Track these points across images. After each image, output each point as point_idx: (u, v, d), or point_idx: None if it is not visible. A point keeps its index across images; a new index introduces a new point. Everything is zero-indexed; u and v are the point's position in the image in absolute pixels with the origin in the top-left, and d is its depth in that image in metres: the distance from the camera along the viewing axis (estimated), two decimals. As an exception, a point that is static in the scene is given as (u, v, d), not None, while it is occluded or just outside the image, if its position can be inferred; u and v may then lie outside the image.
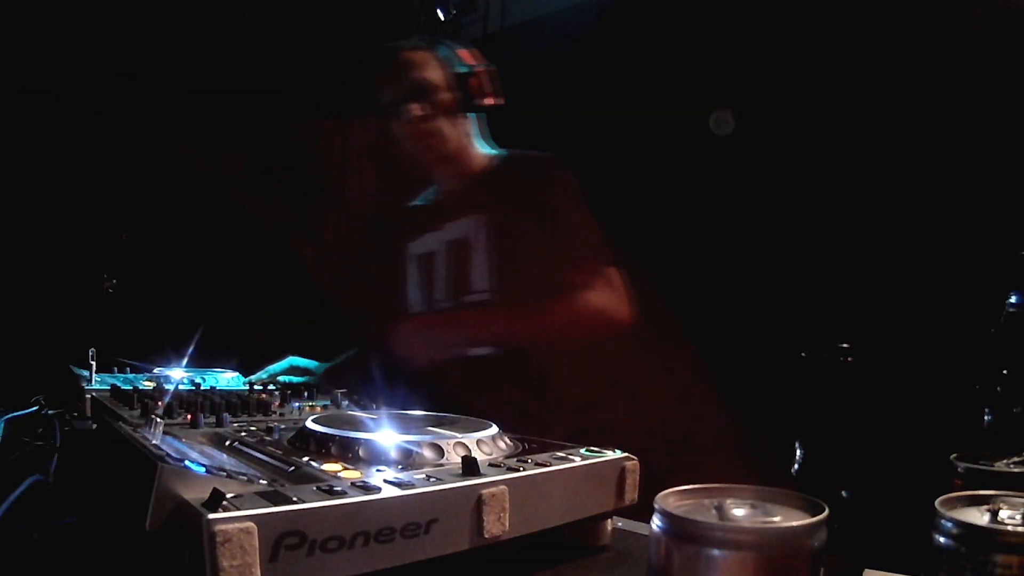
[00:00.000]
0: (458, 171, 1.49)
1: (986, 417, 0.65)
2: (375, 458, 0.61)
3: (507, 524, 0.54)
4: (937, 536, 0.45)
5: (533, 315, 1.34)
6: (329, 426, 0.67)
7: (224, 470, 0.52)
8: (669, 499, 0.48)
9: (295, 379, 1.37)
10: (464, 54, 1.47)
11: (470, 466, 0.56)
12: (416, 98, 1.41)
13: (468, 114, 1.47)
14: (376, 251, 1.73)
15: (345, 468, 0.57)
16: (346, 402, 1.00)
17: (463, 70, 1.44)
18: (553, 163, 1.45)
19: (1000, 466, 0.58)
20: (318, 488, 0.48)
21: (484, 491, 0.53)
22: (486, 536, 0.53)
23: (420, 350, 1.30)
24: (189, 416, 0.77)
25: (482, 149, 1.53)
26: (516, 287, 1.37)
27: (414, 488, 0.50)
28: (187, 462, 0.51)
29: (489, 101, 1.45)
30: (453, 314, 1.42)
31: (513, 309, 1.35)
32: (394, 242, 1.62)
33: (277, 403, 0.95)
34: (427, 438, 0.64)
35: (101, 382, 1.03)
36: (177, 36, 2.77)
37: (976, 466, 0.59)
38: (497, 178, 1.47)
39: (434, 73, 1.42)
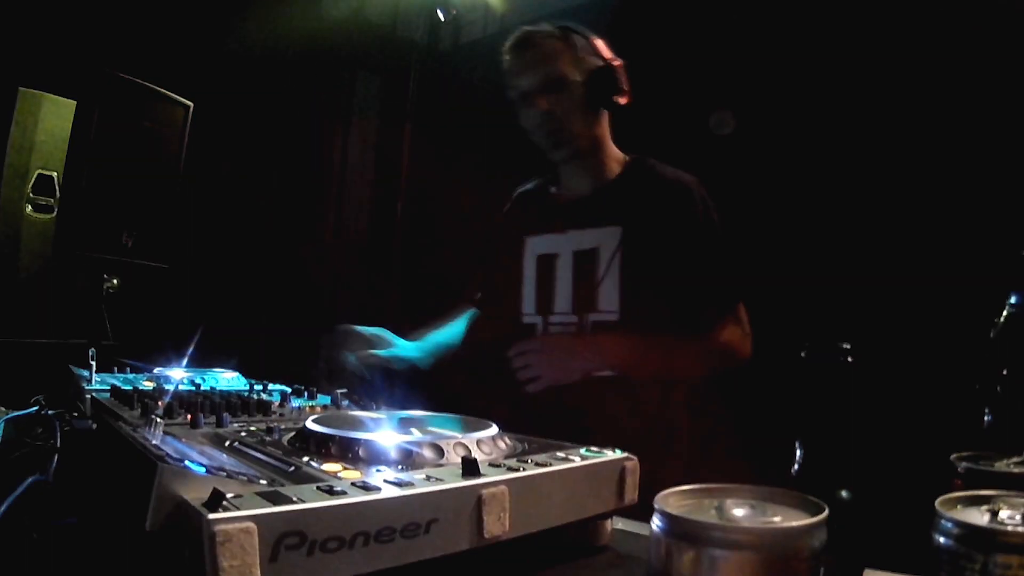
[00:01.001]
0: (588, 171, 1.41)
1: (986, 417, 0.65)
2: (375, 458, 0.61)
3: (507, 524, 0.54)
4: (937, 536, 0.45)
5: (671, 352, 1.29)
6: (329, 426, 0.67)
7: (224, 470, 0.52)
8: (669, 499, 0.48)
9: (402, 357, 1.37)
10: (599, 45, 1.38)
11: (470, 466, 0.56)
12: (548, 89, 1.33)
13: (601, 110, 1.38)
14: (491, 235, 1.61)
15: (345, 468, 0.57)
16: (346, 402, 1.00)
17: (598, 63, 1.36)
18: (697, 183, 1.36)
19: (1000, 466, 0.58)
20: (318, 488, 0.48)
21: (484, 491, 0.53)
22: (486, 536, 0.53)
23: (548, 371, 1.24)
24: (189, 416, 0.77)
25: (616, 151, 1.44)
26: (645, 311, 1.30)
27: (414, 488, 0.50)
28: (187, 462, 0.51)
29: (623, 99, 1.37)
30: (589, 339, 1.32)
31: (653, 344, 1.28)
32: (512, 236, 1.51)
33: (277, 403, 0.95)
34: (427, 438, 0.64)
35: (101, 382, 1.03)
36: (177, 36, 2.77)
37: (976, 466, 0.58)
38: (634, 188, 1.38)
39: (568, 65, 1.34)
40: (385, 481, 0.51)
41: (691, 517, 0.44)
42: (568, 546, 0.64)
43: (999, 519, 0.45)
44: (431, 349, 1.48)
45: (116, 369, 1.19)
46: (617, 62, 1.36)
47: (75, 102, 2.53)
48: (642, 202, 1.34)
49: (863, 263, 1.83)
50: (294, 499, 0.45)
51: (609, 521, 0.69)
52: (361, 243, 3.49)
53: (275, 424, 0.77)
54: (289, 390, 1.06)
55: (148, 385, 1.04)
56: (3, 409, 0.98)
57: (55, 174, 2.50)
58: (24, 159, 2.43)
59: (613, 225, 1.34)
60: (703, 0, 2.24)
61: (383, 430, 0.67)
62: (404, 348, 1.42)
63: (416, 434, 0.66)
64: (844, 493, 0.55)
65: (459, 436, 0.65)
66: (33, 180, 2.45)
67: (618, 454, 0.68)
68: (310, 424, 0.68)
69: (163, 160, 2.84)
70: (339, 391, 1.03)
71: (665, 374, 1.32)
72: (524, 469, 0.59)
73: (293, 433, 0.71)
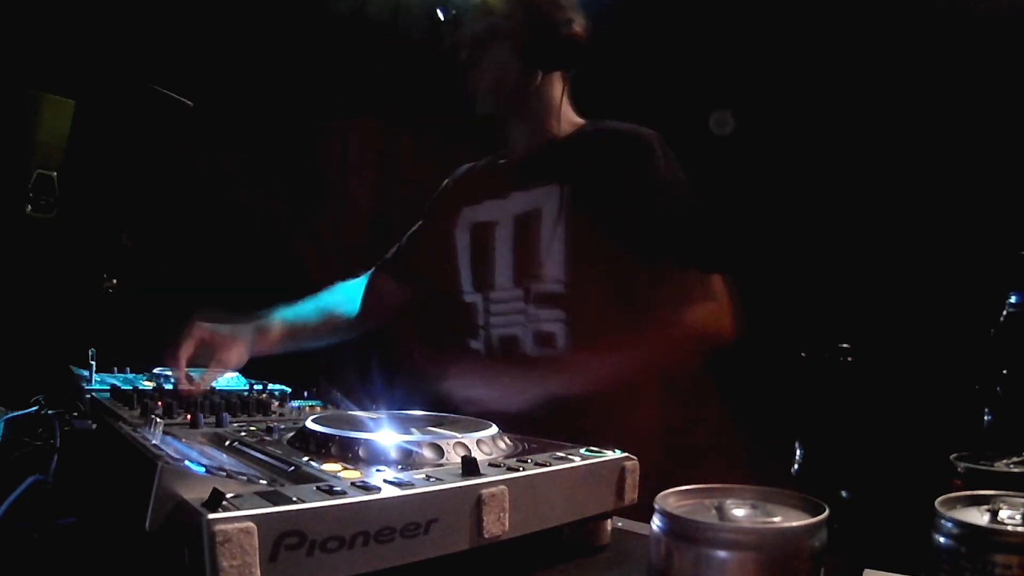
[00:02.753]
0: (533, 133, 1.29)
1: (986, 417, 0.65)
2: (375, 458, 0.61)
3: (507, 524, 0.54)
4: (937, 536, 0.45)
5: (634, 355, 1.12)
6: (329, 426, 0.67)
7: (224, 470, 0.52)
8: (669, 499, 0.48)
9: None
10: (563, 4, 1.25)
11: (470, 466, 0.56)
12: (480, 42, 1.24)
13: (556, 72, 1.27)
14: (426, 217, 1.47)
15: (345, 468, 0.57)
16: (346, 402, 1.00)
17: (545, 21, 1.23)
18: (654, 137, 1.20)
19: (1000, 466, 0.58)
20: (318, 488, 0.48)
21: (484, 491, 0.53)
22: (486, 536, 0.53)
23: (497, 403, 1.04)
24: (189, 416, 0.77)
25: (571, 114, 1.31)
26: (596, 280, 1.16)
27: (414, 488, 0.50)
28: (187, 462, 0.51)
29: (570, 63, 1.26)
30: (539, 364, 1.17)
31: (610, 354, 1.11)
32: (445, 207, 1.38)
33: (277, 403, 0.95)
34: (427, 438, 0.64)
35: (101, 382, 1.03)
36: (177, 36, 2.77)
37: (976, 466, 0.59)
38: (583, 146, 1.24)
39: (509, 19, 1.23)
40: (385, 481, 0.51)
41: (691, 517, 0.44)
42: (568, 546, 0.64)
43: (999, 519, 0.45)
44: (281, 330, 1.32)
45: (116, 369, 1.19)
46: (579, 24, 1.24)
47: (75, 102, 2.53)
48: (591, 156, 1.21)
49: (863, 263, 1.83)
50: (294, 499, 0.45)
51: (609, 521, 0.69)
52: (361, 243, 3.49)
53: (275, 424, 0.77)
54: (289, 390, 1.06)
55: (148, 385, 1.04)
56: (3, 409, 0.98)
57: (55, 174, 2.50)
58: (24, 159, 2.43)
59: (557, 183, 1.20)
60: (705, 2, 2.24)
61: (383, 430, 0.67)
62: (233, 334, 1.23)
63: (416, 434, 0.66)
64: (844, 493, 0.55)
65: (459, 436, 0.65)
66: (33, 180, 2.45)
67: (618, 454, 0.68)
68: (310, 424, 0.68)
69: (164, 160, 2.85)
70: (338, 391, 1.03)
71: (635, 379, 1.16)
72: (524, 469, 0.59)
73: (293, 433, 0.71)
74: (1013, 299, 0.67)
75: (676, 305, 1.13)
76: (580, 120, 1.33)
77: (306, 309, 1.39)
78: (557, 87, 1.30)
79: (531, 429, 0.77)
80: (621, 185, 1.16)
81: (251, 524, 0.41)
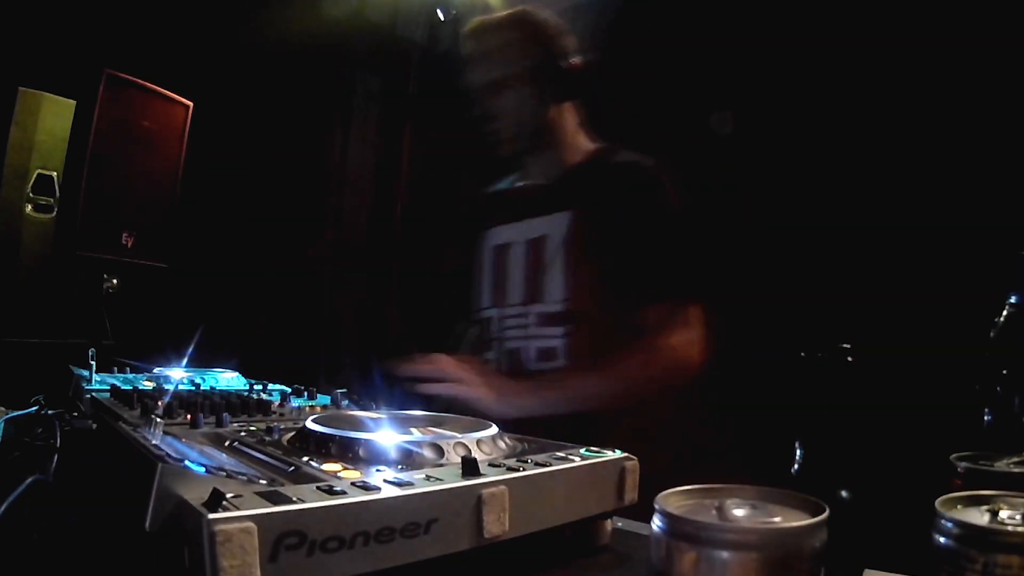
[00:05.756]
0: (548, 162, 1.37)
1: (986, 417, 0.65)
2: (375, 458, 0.61)
3: (507, 524, 0.54)
4: (937, 536, 0.45)
5: (615, 386, 1.18)
6: (329, 426, 0.67)
7: (224, 470, 0.52)
8: (669, 499, 0.48)
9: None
10: (559, 32, 1.33)
11: (470, 466, 0.56)
12: (492, 88, 1.30)
13: (568, 100, 1.34)
14: (450, 236, 1.60)
15: (345, 468, 0.57)
16: (346, 402, 1.00)
17: (551, 55, 1.31)
18: (657, 166, 1.29)
19: (1000, 466, 0.58)
20: (318, 488, 0.48)
21: (484, 491, 0.53)
22: (486, 536, 0.53)
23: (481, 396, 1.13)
24: (189, 416, 0.77)
25: (584, 141, 1.39)
26: (591, 302, 1.24)
27: (414, 488, 0.50)
28: (187, 462, 0.51)
29: (580, 90, 1.33)
30: (524, 385, 1.22)
31: (592, 382, 1.19)
32: (470, 229, 1.48)
33: (277, 403, 0.95)
34: (427, 438, 0.64)
35: (101, 382, 1.03)
36: (177, 36, 2.77)
37: (976, 466, 0.59)
38: (593, 174, 1.32)
39: (517, 59, 1.29)
40: (385, 481, 0.51)
41: (691, 517, 0.44)
42: (568, 546, 0.64)
43: (999, 519, 0.45)
44: None
45: (116, 369, 1.19)
46: (574, 51, 1.31)
47: (75, 102, 2.53)
48: (596, 185, 1.29)
49: (864, 263, 1.83)
50: (294, 499, 0.45)
51: (609, 521, 0.69)
52: (361, 243, 3.49)
53: (275, 424, 0.77)
54: (289, 390, 1.06)
55: (148, 385, 1.04)
56: (3, 409, 0.98)
57: (55, 174, 2.50)
58: (24, 159, 2.43)
59: (567, 209, 1.29)
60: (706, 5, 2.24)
61: (383, 430, 0.67)
62: None
63: (416, 434, 0.66)
64: (844, 493, 0.55)
65: (459, 436, 0.65)
66: (33, 180, 2.45)
67: (618, 454, 0.68)
68: (310, 424, 0.68)
69: (163, 160, 2.85)
70: (339, 391, 1.03)
71: (617, 404, 1.21)
72: (524, 469, 0.59)
73: (293, 433, 0.71)
74: (1013, 299, 0.67)
75: (657, 331, 1.20)
76: (593, 146, 1.40)
77: None
78: (570, 116, 1.38)
79: (531, 429, 0.77)
80: (619, 212, 1.23)
81: (251, 524, 0.41)
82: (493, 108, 1.32)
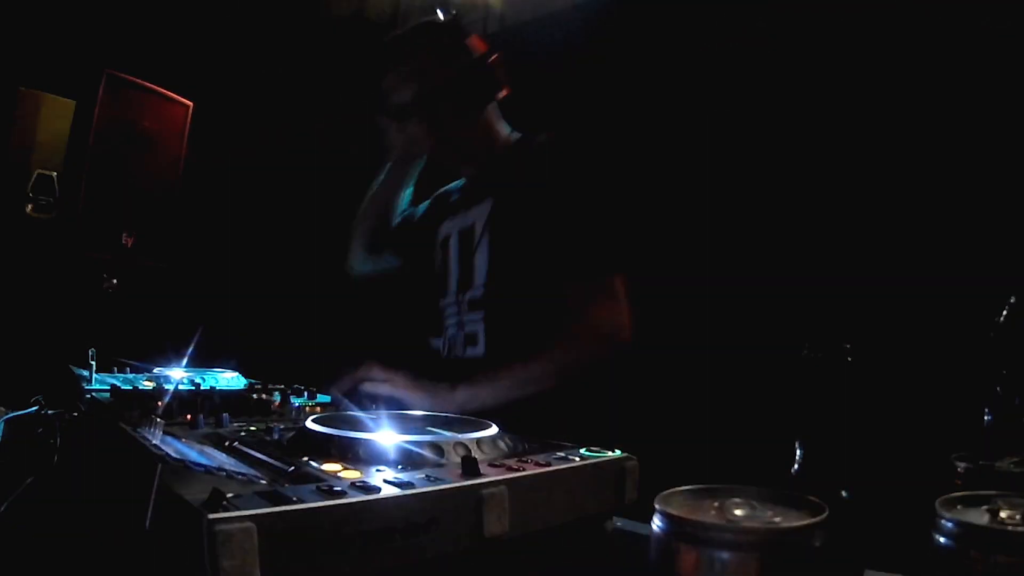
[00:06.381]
0: (480, 158, 1.42)
1: (986, 417, 0.65)
2: (375, 458, 0.61)
3: (507, 524, 0.54)
4: (937, 536, 0.45)
5: (540, 367, 1.19)
6: (329, 426, 0.67)
7: (224, 470, 0.52)
8: (669, 499, 0.48)
9: None
10: (473, 43, 1.37)
11: (470, 466, 0.56)
12: (425, 97, 1.33)
13: (479, 109, 1.38)
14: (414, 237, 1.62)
15: (345, 468, 0.57)
16: (346, 402, 1.00)
17: (472, 62, 1.34)
18: (549, 143, 1.34)
19: (1000, 466, 0.58)
20: (318, 488, 0.48)
21: (484, 491, 0.53)
22: (486, 536, 0.53)
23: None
24: (189, 416, 0.77)
25: (504, 135, 1.44)
26: (510, 284, 1.27)
27: (414, 488, 0.50)
28: (187, 462, 0.51)
29: (503, 92, 1.37)
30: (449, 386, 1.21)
31: (521, 367, 1.19)
32: (425, 229, 1.55)
33: (277, 403, 0.95)
34: (427, 438, 0.64)
35: (101, 382, 1.03)
36: (178, 35, 2.77)
37: (976, 466, 0.58)
38: (506, 162, 1.39)
39: (436, 75, 1.33)
40: (385, 481, 0.51)
41: (691, 517, 0.44)
42: (568, 546, 0.64)
43: (999, 519, 0.45)
44: None
45: (116, 369, 1.19)
46: (493, 57, 1.35)
47: (75, 102, 2.53)
48: (509, 172, 1.34)
49: (863, 262, 1.83)
50: (294, 499, 0.45)
51: (609, 521, 0.69)
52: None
53: (275, 424, 0.77)
54: (289, 390, 1.06)
55: (148, 385, 1.04)
56: (3, 409, 0.98)
57: (55, 174, 2.50)
58: (24, 159, 2.43)
59: (488, 198, 1.35)
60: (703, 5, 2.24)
61: (383, 430, 0.67)
62: None
63: (416, 434, 0.66)
64: (844, 493, 0.55)
65: (459, 436, 0.65)
66: (33, 180, 2.45)
67: (618, 454, 0.68)
68: (310, 424, 0.68)
69: (163, 160, 2.85)
70: (339, 391, 1.03)
71: (549, 381, 1.20)
72: (524, 469, 0.59)
73: (293, 433, 0.71)
74: (1013, 299, 0.67)
75: (583, 305, 1.21)
76: (511, 135, 1.45)
77: None
78: (491, 113, 1.42)
79: (531, 429, 0.77)
80: (524, 194, 1.28)
81: (251, 524, 0.41)
82: (428, 122, 1.36)
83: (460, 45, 1.37)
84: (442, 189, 1.62)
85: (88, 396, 0.93)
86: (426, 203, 1.62)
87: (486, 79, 1.35)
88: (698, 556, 0.43)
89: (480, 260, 1.32)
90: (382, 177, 1.54)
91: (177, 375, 1.20)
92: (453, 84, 1.33)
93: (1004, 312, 0.67)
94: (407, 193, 1.57)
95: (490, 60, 1.35)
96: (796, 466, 0.58)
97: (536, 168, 1.31)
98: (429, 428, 0.71)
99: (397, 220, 1.59)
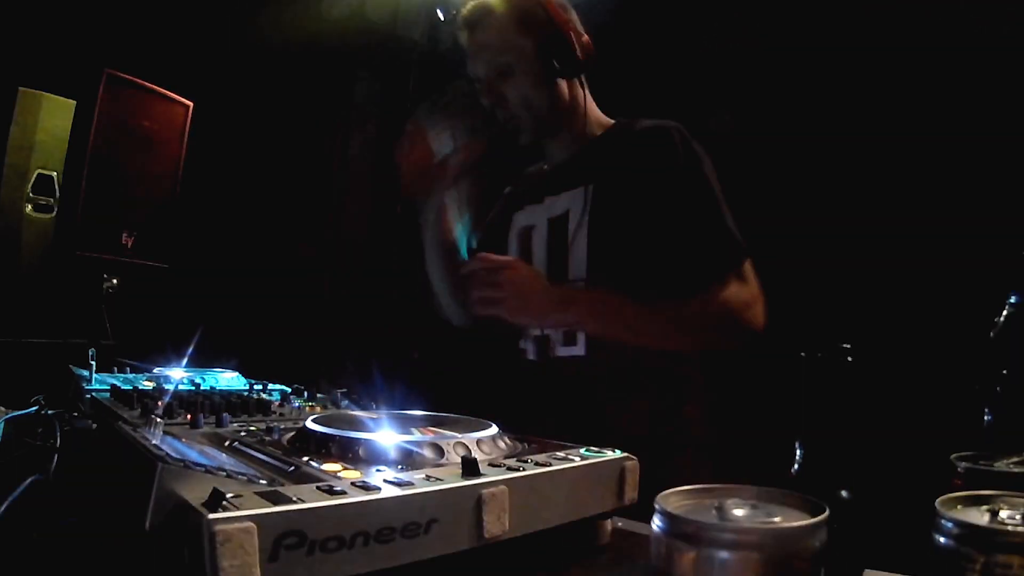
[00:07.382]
0: (565, 141, 1.35)
1: (986, 417, 0.65)
2: (375, 458, 0.61)
3: (507, 524, 0.54)
4: (937, 536, 0.45)
5: (654, 315, 1.15)
6: (329, 426, 0.67)
7: (224, 470, 0.52)
8: (669, 499, 0.48)
9: None
10: (553, 10, 1.27)
11: (470, 466, 0.56)
12: (497, 79, 1.27)
13: (561, 80, 1.30)
14: (487, 221, 1.53)
15: (345, 468, 0.57)
16: (346, 402, 1.00)
17: (548, 32, 1.26)
18: (677, 130, 1.24)
19: (1000, 466, 0.58)
20: (318, 488, 0.48)
21: (484, 491, 0.53)
22: (486, 536, 0.53)
23: (511, 302, 1.13)
24: (189, 416, 0.77)
25: (596, 116, 1.37)
26: (616, 275, 1.18)
27: (414, 488, 0.50)
28: (187, 462, 0.51)
29: (585, 61, 1.28)
30: (564, 289, 1.21)
31: (643, 306, 1.14)
32: (502, 213, 1.47)
33: (277, 403, 0.95)
34: (427, 438, 0.64)
35: (101, 382, 1.03)
36: (178, 35, 2.77)
37: (976, 466, 0.58)
38: (607, 147, 1.30)
39: (515, 44, 1.26)
40: (385, 481, 0.51)
41: (691, 517, 0.44)
42: (568, 546, 0.64)
43: (999, 519, 0.45)
44: None
45: (116, 369, 1.19)
46: (571, 26, 1.28)
47: (75, 102, 2.53)
48: (614, 157, 1.26)
49: (863, 263, 1.83)
50: (294, 499, 0.45)
51: (609, 521, 0.69)
52: (361, 243, 3.49)
53: (275, 424, 0.77)
54: (289, 390, 1.06)
55: (148, 385, 1.04)
56: (3, 409, 0.98)
57: (55, 174, 2.50)
58: (24, 159, 2.43)
59: (583, 185, 1.26)
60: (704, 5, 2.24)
61: (383, 430, 0.67)
62: None
63: (416, 434, 0.66)
64: (844, 493, 0.55)
65: (459, 436, 0.65)
66: (33, 180, 2.45)
67: (618, 454, 0.68)
68: (310, 424, 0.68)
69: (163, 160, 2.84)
70: (339, 391, 1.03)
71: (646, 340, 1.17)
72: (524, 469, 0.59)
73: (293, 433, 0.71)
74: (1013, 299, 0.67)
75: (709, 287, 1.14)
76: (609, 120, 1.38)
77: None
78: (579, 92, 1.34)
79: (531, 429, 0.77)
80: (641, 179, 1.19)
81: (251, 524, 0.41)
82: (501, 96, 1.29)
83: (539, 9, 1.27)
84: (519, 175, 1.53)
85: (88, 396, 0.93)
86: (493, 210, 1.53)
87: (561, 48, 1.26)
88: (698, 556, 0.43)
89: (578, 249, 1.24)
90: (431, 217, 1.41)
91: (177, 375, 1.20)
92: (525, 55, 1.26)
93: (1004, 312, 0.67)
94: (464, 221, 1.41)
95: (566, 28, 1.27)
96: (796, 466, 0.58)
97: (651, 153, 1.21)
98: (429, 428, 0.71)
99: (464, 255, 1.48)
